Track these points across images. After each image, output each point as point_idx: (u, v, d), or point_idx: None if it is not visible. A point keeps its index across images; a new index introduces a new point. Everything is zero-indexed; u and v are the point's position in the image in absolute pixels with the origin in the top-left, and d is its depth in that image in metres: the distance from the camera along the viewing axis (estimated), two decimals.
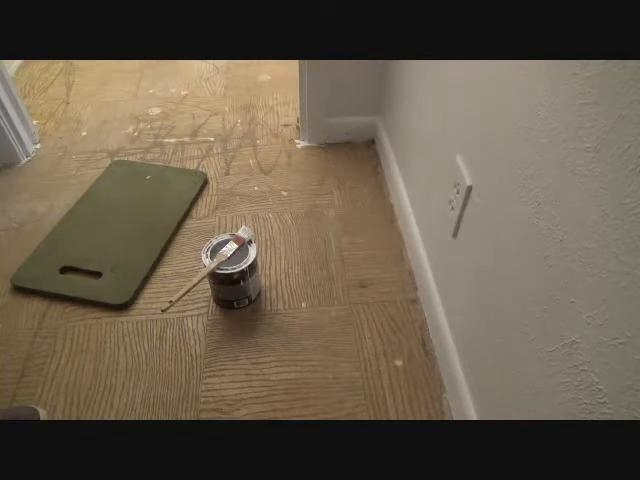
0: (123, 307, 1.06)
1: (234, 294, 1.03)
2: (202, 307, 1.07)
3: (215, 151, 1.49)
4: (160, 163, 1.44)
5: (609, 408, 0.46)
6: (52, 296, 1.08)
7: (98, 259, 1.13)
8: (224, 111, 1.65)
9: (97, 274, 1.10)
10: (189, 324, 1.04)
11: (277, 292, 1.10)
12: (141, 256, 1.15)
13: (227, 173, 1.41)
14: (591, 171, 0.47)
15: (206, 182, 1.37)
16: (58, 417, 0.89)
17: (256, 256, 0.99)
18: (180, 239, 1.22)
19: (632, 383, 0.42)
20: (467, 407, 0.81)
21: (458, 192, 0.81)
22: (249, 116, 1.63)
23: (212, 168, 1.43)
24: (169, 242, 1.20)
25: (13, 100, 1.37)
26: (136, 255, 1.15)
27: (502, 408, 0.71)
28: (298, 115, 1.53)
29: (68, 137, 1.54)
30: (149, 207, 1.28)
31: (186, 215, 1.28)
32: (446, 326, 0.92)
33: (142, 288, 1.10)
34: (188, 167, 1.43)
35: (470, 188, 0.78)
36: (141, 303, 1.07)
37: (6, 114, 1.34)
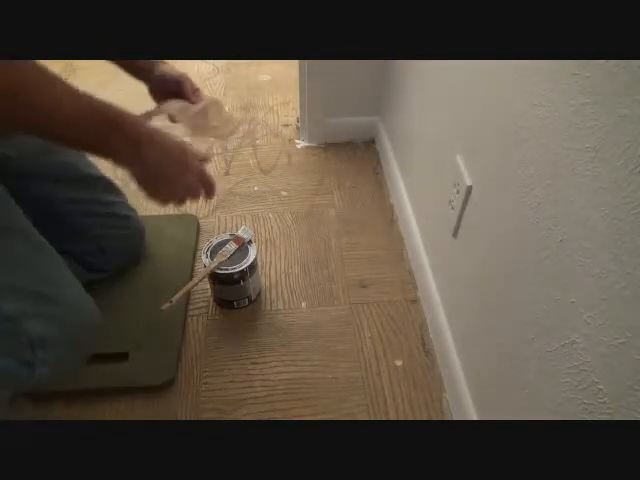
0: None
1: (234, 294, 1.03)
2: (202, 307, 1.07)
3: (215, 151, 1.49)
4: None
5: (609, 408, 0.46)
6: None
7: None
8: None
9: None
10: (189, 324, 1.04)
11: (277, 292, 1.10)
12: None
13: (227, 173, 1.41)
14: (591, 171, 0.47)
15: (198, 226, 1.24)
16: (58, 417, 0.89)
17: (256, 256, 0.99)
18: None
19: (632, 383, 0.42)
20: (467, 407, 0.81)
21: (458, 192, 0.81)
22: (249, 116, 1.63)
23: (212, 168, 1.43)
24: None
25: None
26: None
27: (502, 408, 0.71)
28: (298, 115, 1.53)
29: None
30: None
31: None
32: (446, 326, 0.92)
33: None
34: None
35: (470, 188, 0.78)
36: None
37: None
